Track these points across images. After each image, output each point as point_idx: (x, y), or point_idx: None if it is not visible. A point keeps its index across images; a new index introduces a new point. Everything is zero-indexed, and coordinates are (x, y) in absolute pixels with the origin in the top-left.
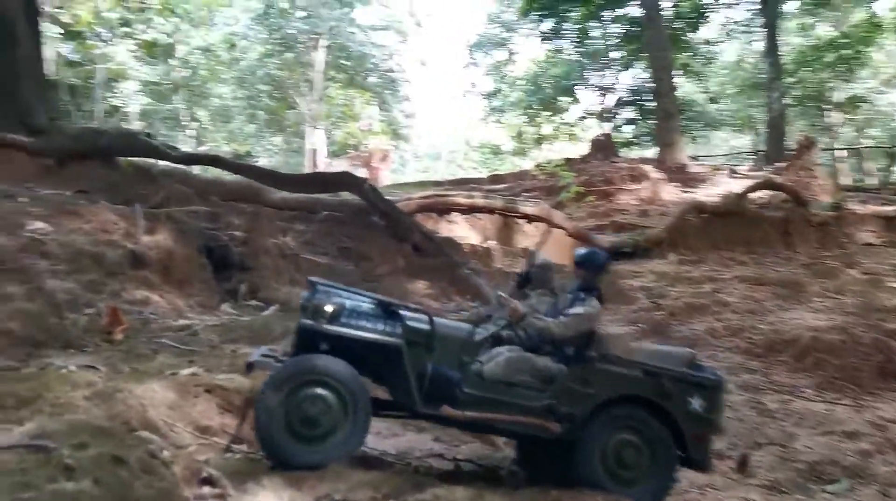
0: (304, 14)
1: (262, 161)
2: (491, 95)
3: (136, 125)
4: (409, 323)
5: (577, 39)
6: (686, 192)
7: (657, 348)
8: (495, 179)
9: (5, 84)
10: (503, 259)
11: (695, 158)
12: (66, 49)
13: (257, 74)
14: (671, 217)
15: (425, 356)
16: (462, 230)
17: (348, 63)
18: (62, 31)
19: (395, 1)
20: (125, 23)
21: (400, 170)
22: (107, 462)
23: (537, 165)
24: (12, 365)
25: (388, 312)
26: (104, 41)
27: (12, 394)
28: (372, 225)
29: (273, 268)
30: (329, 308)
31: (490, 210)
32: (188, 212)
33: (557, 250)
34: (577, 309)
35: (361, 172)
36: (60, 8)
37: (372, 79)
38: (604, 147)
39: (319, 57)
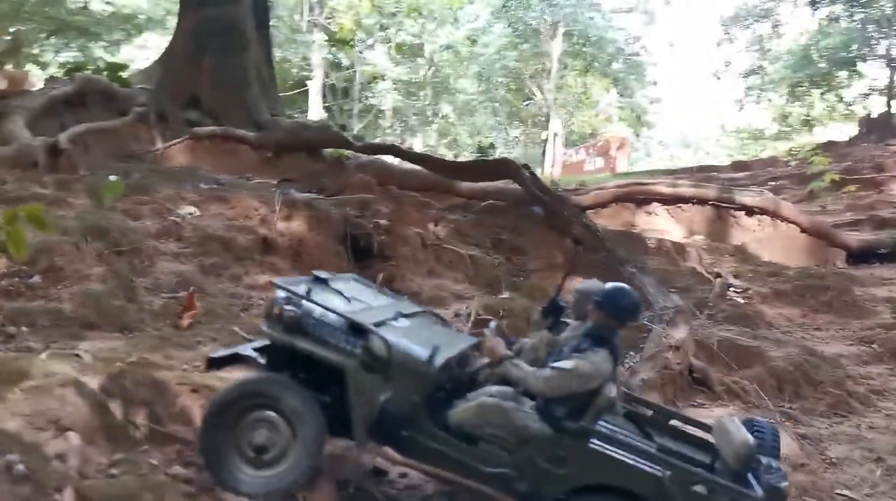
0: (543, 3)
1: (499, 152)
2: (750, 74)
3: (388, 121)
4: (371, 344)
5: (860, 3)
6: None
7: (727, 420)
8: (739, 166)
9: (236, 85)
10: (705, 257)
11: None
12: (332, 54)
13: (495, 68)
14: None
15: (381, 385)
16: (663, 223)
17: (587, 50)
18: (328, 39)
19: None
20: (382, 28)
21: (644, 159)
22: None
23: (789, 151)
24: (29, 348)
25: (354, 327)
26: (368, 46)
27: None
28: (532, 216)
29: (412, 258)
30: (289, 314)
31: (702, 201)
32: (337, 200)
33: (786, 250)
34: (567, 363)
35: (598, 162)
36: (330, 18)
37: (615, 65)
38: (879, 127)
39: (556, 45)
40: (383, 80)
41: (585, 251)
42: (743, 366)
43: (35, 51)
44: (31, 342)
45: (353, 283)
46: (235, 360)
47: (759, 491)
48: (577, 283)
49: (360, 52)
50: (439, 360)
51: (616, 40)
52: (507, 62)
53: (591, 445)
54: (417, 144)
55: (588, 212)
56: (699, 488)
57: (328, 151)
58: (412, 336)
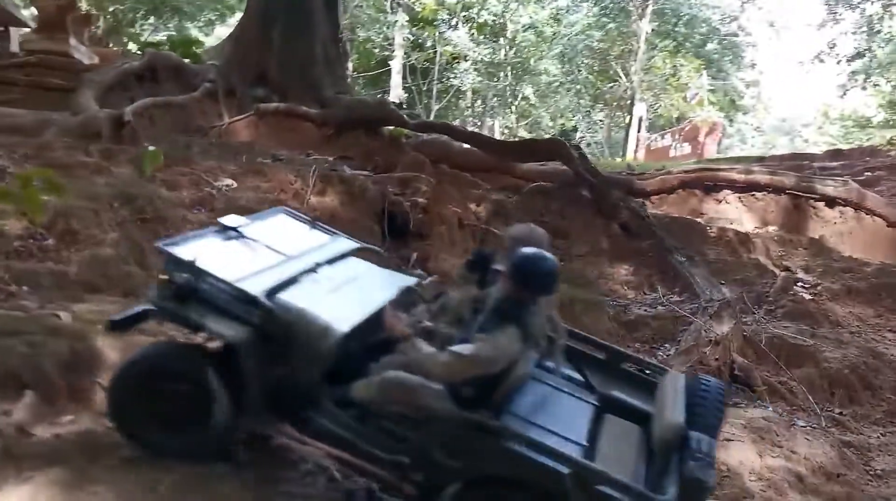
0: None
1: (582, 136)
2: (856, 57)
3: (467, 102)
4: (273, 313)
5: None
6: None
7: (670, 382)
8: (834, 155)
9: (302, 63)
10: (774, 249)
11: None
12: (413, 34)
13: (578, 48)
14: None
15: (276, 359)
16: (734, 212)
17: (678, 29)
18: (409, 18)
19: None
20: (465, 7)
21: (738, 145)
22: None
23: (889, 140)
24: (23, 307)
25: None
26: (450, 26)
27: None
28: (580, 200)
29: (448, 238)
30: (180, 281)
31: (778, 189)
32: (379, 177)
33: (869, 245)
34: (467, 347)
35: (685, 147)
36: None
37: (708, 45)
38: None
39: (645, 25)
40: (465, 60)
41: (633, 237)
42: (793, 366)
43: (135, 30)
44: (28, 301)
45: (279, 220)
46: (146, 317)
47: (670, 493)
48: (512, 228)
49: (442, 33)
50: (340, 330)
51: (710, 20)
52: (592, 42)
53: (489, 438)
54: (496, 127)
55: (653, 198)
56: (604, 488)
57: (388, 129)
58: (320, 299)
